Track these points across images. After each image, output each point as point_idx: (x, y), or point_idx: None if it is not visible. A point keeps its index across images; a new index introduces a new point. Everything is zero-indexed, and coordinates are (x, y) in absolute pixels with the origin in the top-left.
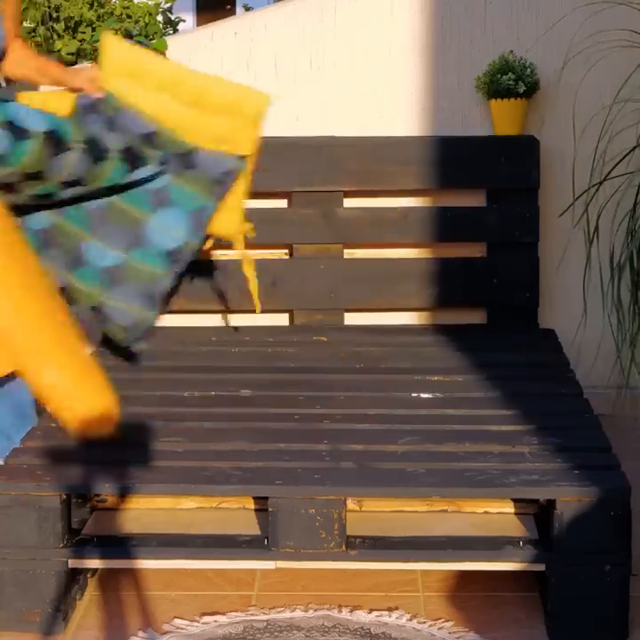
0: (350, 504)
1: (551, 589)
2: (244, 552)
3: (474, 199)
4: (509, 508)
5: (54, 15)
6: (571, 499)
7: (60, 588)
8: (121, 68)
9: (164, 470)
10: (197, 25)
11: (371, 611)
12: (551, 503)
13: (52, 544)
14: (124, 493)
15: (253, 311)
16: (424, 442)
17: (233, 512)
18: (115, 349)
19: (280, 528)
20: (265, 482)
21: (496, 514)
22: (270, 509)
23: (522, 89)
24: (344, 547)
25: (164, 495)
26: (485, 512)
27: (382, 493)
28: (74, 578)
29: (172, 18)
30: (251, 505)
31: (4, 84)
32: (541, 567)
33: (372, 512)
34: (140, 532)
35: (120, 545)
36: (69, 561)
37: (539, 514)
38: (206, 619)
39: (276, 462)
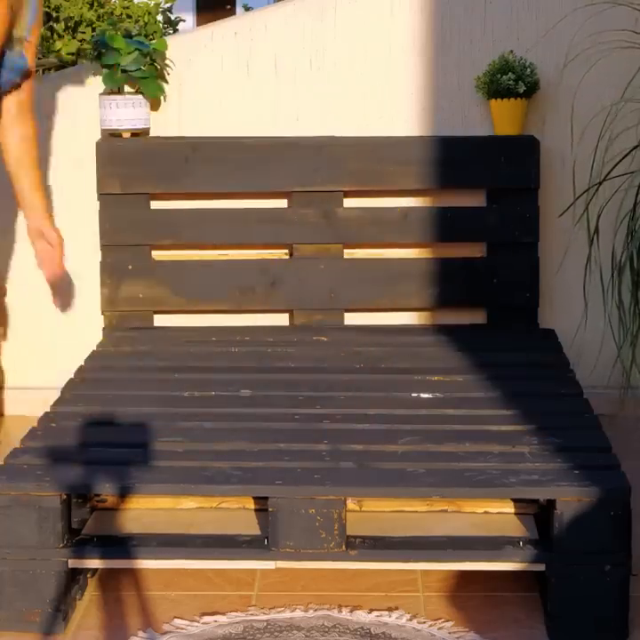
0: (350, 504)
1: (551, 589)
2: (243, 552)
3: (474, 199)
4: (509, 508)
5: (54, 15)
6: (571, 499)
7: (60, 588)
8: None
9: (164, 470)
10: (197, 25)
11: (371, 611)
12: (551, 503)
13: (52, 544)
14: (123, 493)
15: (254, 311)
16: (424, 442)
17: (233, 512)
18: None
19: (280, 528)
20: (265, 482)
21: (496, 514)
22: (270, 509)
23: (522, 89)
24: (344, 547)
25: (164, 495)
26: (485, 512)
27: (382, 493)
28: (74, 578)
29: (172, 18)
30: (251, 505)
31: None
32: (541, 567)
33: (372, 512)
34: (140, 532)
35: (120, 545)
36: (69, 561)
37: (539, 514)
38: (206, 619)
39: (276, 462)
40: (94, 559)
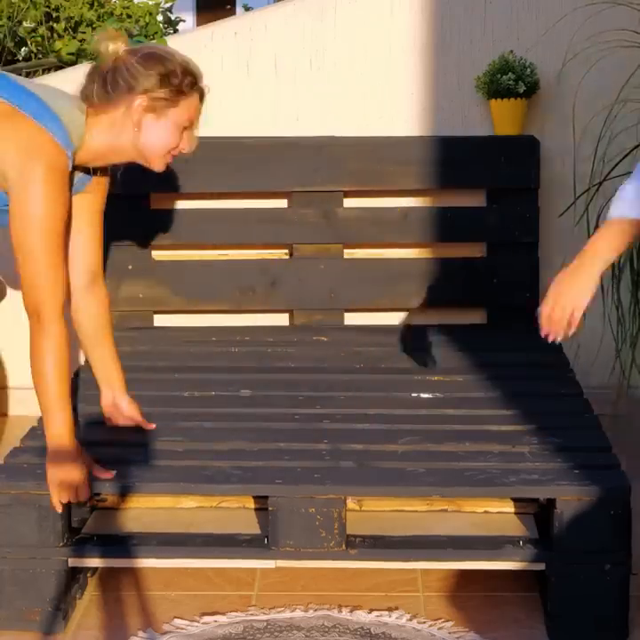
0: (350, 503)
1: (551, 589)
2: (244, 551)
3: (474, 199)
4: (509, 507)
5: (54, 15)
6: (571, 498)
7: (60, 586)
8: None
9: (164, 469)
10: (197, 25)
11: (371, 611)
12: (551, 502)
13: (52, 543)
14: (124, 492)
15: (254, 311)
16: (424, 441)
17: (233, 511)
18: None
19: (280, 527)
20: (265, 481)
21: (496, 513)
22: (270, 508)
23: (522, 89)
24: (344, 546)
25: (164, 494)
26: (485, 512)
27: (382, 492)
28: (74, 577)
29: (172, 18)
30: (251, 504)
31: None
32: (541, 566)
33: (372, 512)
34: (140, 531)
35: (120, 544)
36: (69, 560)
37: (539, 513)
38: (206, 619)
39: (276, 462)
40: (94, 558)
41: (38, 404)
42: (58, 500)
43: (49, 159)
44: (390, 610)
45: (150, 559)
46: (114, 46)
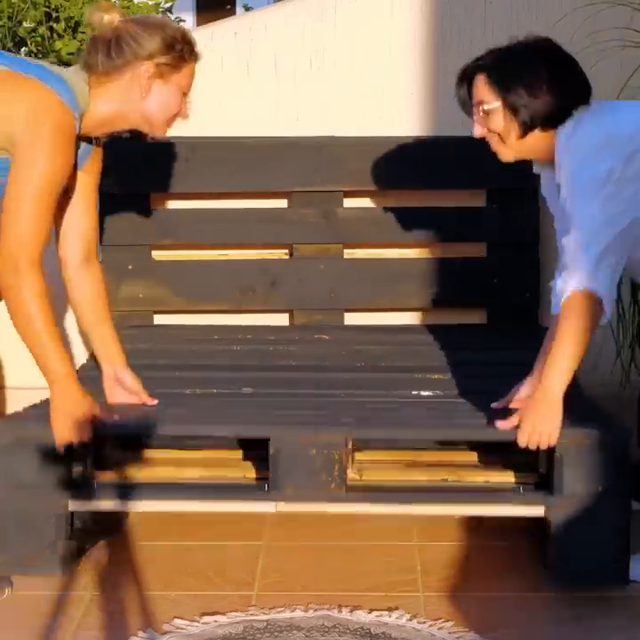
0: (350, 473)
1: (551, 534)
2: (244, 492)
3: (474, 199)
4: (510, 477)
5: (54, 15)
6: (569, 441)
7: (60, 531)
8: None
9: (165, 419)
10: (197, 25)
11: (371, 611)
12: (551, 449)
13: (52, 486)
14: (125, 438)
15: (254, 311)
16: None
17: (236, 479)
18: None
19: (281, 470)
20: (266, 423)
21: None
22: (271, 451)
23: None
24: (344, 489)
25: (165, 450)
26: (486, 482)
27: (384, 434)
28: (73, 524)
29: (172, 18)
30: (252, 474)
31: None
32: (540, 511)
33: (373, 480)
34: (140, 480)
35: (120, 488)
36: (69, 503)
37: (539, 483)
38: (206, 619)
39: (278, 410)
40: (94, 501)
41: (32, 355)
42: (61, 436)
43: (56, 120)
44: (390, 610)
45: (150, 501)
46: (108, 17)
